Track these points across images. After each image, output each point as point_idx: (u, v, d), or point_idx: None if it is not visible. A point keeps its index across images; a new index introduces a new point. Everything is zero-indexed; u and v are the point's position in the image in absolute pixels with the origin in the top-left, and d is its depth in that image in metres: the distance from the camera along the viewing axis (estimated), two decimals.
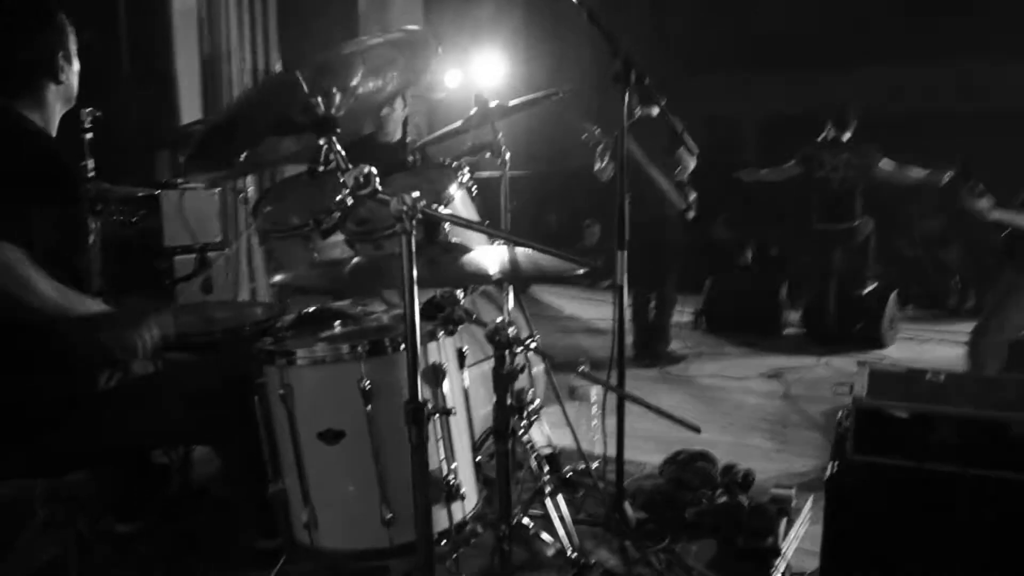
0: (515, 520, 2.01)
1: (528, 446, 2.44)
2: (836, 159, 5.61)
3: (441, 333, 1.98)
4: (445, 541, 1.91)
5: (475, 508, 2.04)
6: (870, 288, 5.87)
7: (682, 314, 5.74)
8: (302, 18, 7.79)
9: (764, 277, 6.75)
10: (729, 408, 4.46)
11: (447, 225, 1.98)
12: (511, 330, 1.85)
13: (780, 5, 10.70)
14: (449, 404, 1.96)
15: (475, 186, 2.46)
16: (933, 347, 5.86)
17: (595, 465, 2.79)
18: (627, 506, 2.42)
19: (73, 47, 1.91)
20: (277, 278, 2.26)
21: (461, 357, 2.11)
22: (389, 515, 1.87)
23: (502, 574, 1.88)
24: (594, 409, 2.92)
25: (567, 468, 2.78)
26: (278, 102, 1.82)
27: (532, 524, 2.16)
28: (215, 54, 5.61)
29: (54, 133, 1.90)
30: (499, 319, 1.88)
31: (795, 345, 5.85)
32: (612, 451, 3.35)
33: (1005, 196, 3.51)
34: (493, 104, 2.67)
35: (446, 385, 1.97)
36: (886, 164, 5.55)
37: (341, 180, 1.75)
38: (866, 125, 5.57)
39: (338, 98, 1.75)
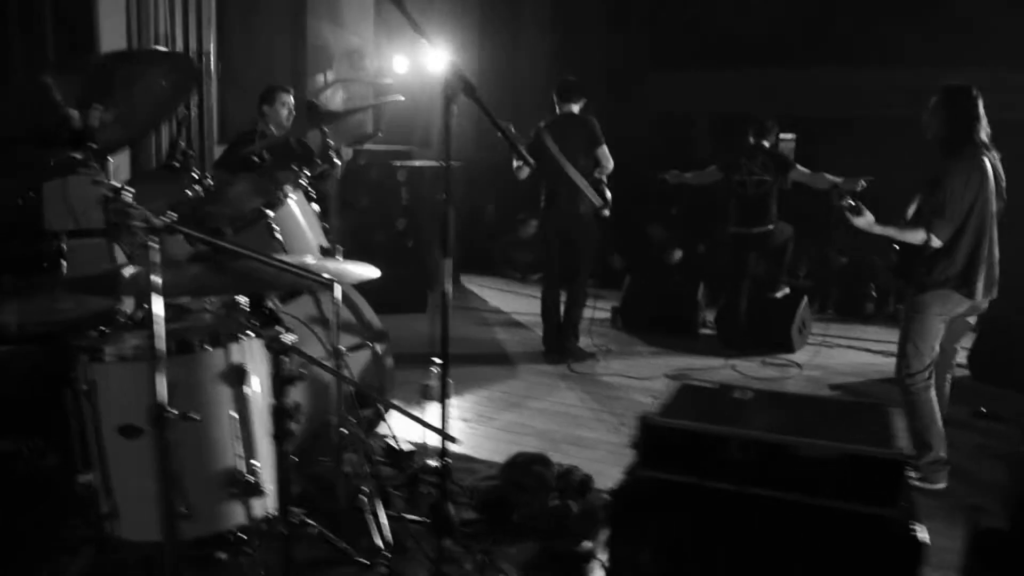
0: (298, 518, 2.07)
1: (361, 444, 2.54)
2: (752, 164, 5.72)
3: (247, 335, 2.04)
4: (238, 536, 1.99)
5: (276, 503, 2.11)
6: (782, 293, 6.00)
7: (594, 310, 5.83)
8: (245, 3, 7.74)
9: (683, 278, 6.84)
10: (623, 408, 4.55)
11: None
12: (291, 338, 1.91)
13: (738, 3, 10.78)
14: (256, 404, 2.03)
15: (313, 192, 2.46)
16: (843, 352, 6.00)
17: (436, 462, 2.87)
18: (450, 506, 2.51)
19: None
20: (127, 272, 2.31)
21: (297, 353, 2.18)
22: (184, 509, 1.94)
23: (287, 571, 1.95)
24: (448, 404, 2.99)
25: (411, 465, 2.87)
26: (33, 114, 1.84)
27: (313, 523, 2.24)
28: (144, 39, 5.55)
29: None
30: (279, 329, 1.93)
31: (707, 347, 5.96)
32: (468, 450, 3.49)
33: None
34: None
35: (251, 386, 2.04)
36: (797, 173, 5.67)
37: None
38: (822, 126, 5.61)
39: (99, 112, 1.77)
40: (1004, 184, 3.48)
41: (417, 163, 7.62)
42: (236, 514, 2.00)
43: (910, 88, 8.18)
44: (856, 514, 1.82)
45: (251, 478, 1.99)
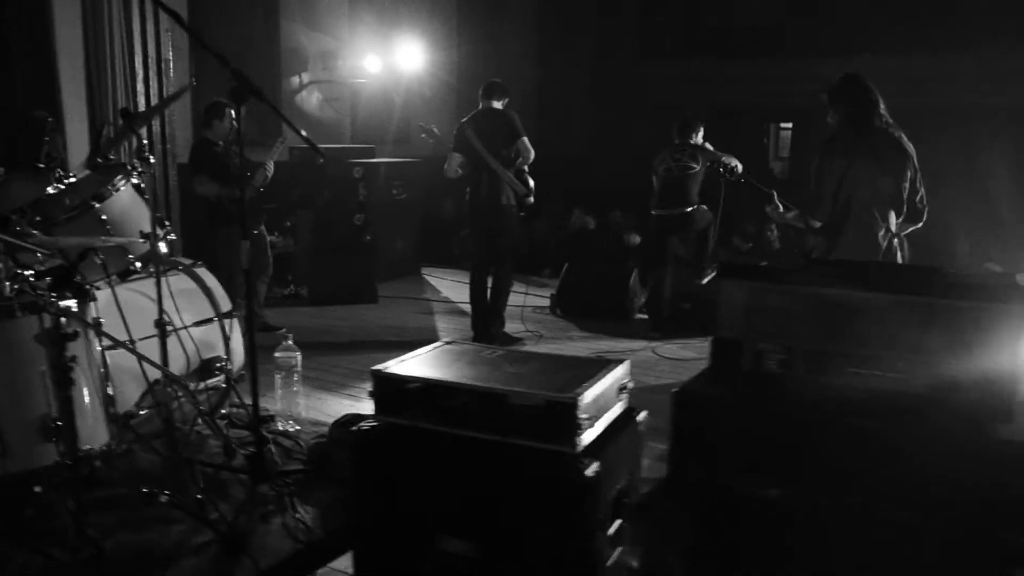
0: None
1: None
2: (680, 154, 6.06)
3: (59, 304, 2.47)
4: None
5: (99, 446, 2.56)
6: (708, 278, 6.31)
7: (526, 296, 6.21)
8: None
9: (616, 263, 7.16)
10: None
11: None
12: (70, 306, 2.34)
13: None
14: (81, 359, 2.46)
15: (143, 184, 2.87)
16: None
17: (286, 425, 3.29)
18: (273, 456, 2.93)
19: None
20: None
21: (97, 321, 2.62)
22: (1, 450, 2.39)
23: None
24: (295, 377, 3.42)
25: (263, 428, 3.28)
26: None
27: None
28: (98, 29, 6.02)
29: None
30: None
31: (637, 331, 6.31)
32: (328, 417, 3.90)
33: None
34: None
35: (74, 347, 2.48)
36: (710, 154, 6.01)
37: None
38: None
39: None
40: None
41: (373, 160, 8.06)
42: (48, 454, 2.44)
43: (907, 76, 8.43)
44: (545, 452, 2.19)
45: (59, 423, 2.43)
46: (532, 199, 5.85)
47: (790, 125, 12.38)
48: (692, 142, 6.14)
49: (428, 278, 8.29)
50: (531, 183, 5.83)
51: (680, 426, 2.07)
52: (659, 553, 2.08)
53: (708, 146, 6.09)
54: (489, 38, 10.69)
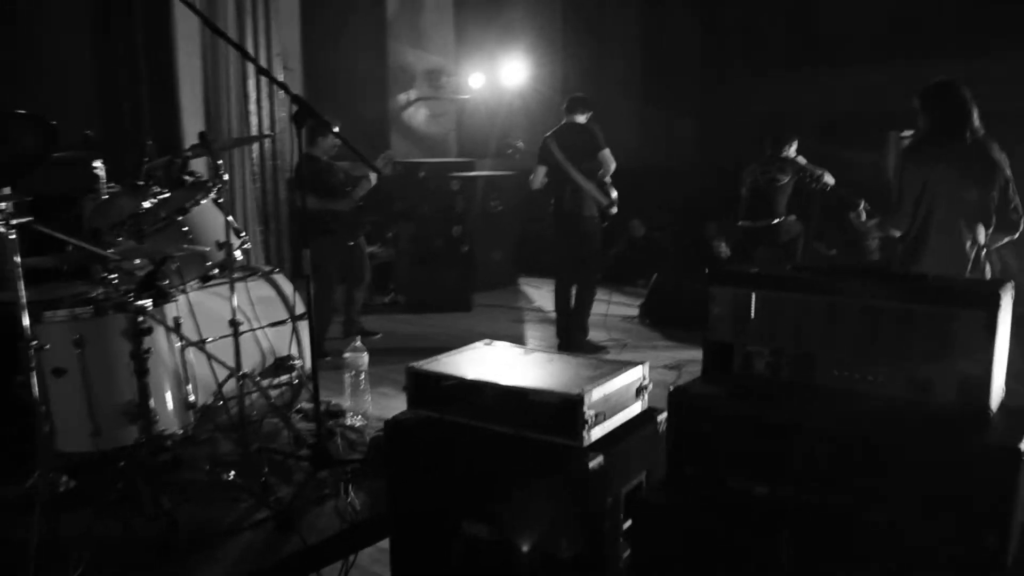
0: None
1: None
2: (769, 167, 6.06)
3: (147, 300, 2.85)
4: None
5: (176, 430, 2.92)
6: None
7: (609, 305, 6.35)
8: (326, 20, 8.81)
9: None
10: None
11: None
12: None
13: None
14: (153, 357, 2.84)
15: (221, 199, 3.23)
16: None
17: (355, 419, 3.60)
18: (337, 446, 3.23)
19: None
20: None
21: (177, 322, 2.99)
22: (93, 428, 2.78)
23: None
24: (362, 376, 3.72)
25: (331, 422, 3.60)
26: None
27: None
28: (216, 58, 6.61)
29: None
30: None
31: None
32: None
33: None
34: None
35: (154, 340, 2.85)
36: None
37: None
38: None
39: None
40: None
41: (471, 173, 8.39)
42: (131, 434, 2.82)
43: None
44: (553, 444, 2.37)
45: (140, 409, 2.80)
46: (615, 209, 6.00)
47: (910, 133, 11.94)
48: (783, 155, 6.11)
49: (525, 288, 8.53)
50: (614, 194, 5.98)
51: (676, 426, 2.20)
52: (656, 548, 2.21)
53: (800, 159, 6.05)
54: (594, 54, 10.86)
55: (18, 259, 2.35)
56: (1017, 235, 3.64)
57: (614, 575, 2.41)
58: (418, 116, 9.80)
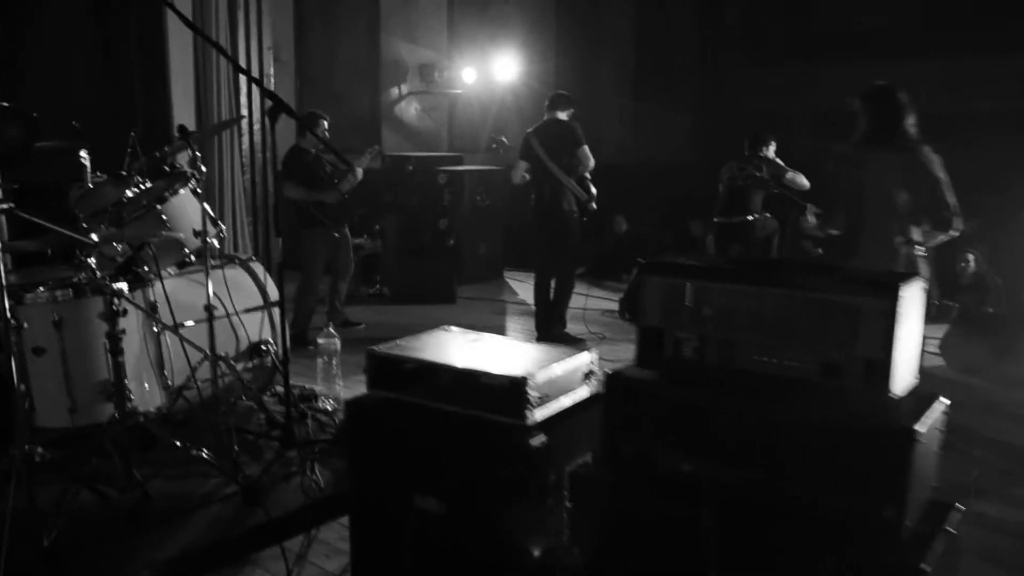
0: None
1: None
2: (748, 165, 6.21)
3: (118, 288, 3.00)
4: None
5: (150, 409, 3.08)
6: None
7: (587, 299, 6.51)
8: (320, 12, 8.96)
9: None
10: None
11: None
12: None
13: None
14: (128, 338, 2.99)
15: (199, 188, 3.38)
16: None
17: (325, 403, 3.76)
18: (308, 427, 3.40)
19: None
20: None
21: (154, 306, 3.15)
22: (70, 405, 2.94)
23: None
24: (334, 361, 3.88)
25: (302, 405, 3.76)
26: None
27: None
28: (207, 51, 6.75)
29: None
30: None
31: None
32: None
33: None
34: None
35: (130, 322, 3.01)
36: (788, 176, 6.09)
37: None
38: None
39: None
40: None
41: (458, 168, 8.54)
42: (107, 411, 2.98)
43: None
44: (497, 423, 2.52)
45: (116, 387, 2.96)
46: (594, 205, 6.15)
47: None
48: (761, 155, 6.26)
49: (510, 281, 8.69)
50: (593, 190, 6.14)
51: (610, 407, 2.36)
52: (591, 522, 2.37)
53: (778, 161, 6.19)
54: (587, 50, 11.02)
55: (0, 243, 2.51)
56: (954, 233, 3.78)
57: (557, 548, 2.56)
58: (410, 110, 9.96)
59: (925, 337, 5.07)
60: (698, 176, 11.31)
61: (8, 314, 2.63)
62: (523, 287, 8.42)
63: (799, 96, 10.20)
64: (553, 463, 2.53)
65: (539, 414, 2.53)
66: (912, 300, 2.04)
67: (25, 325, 2.79)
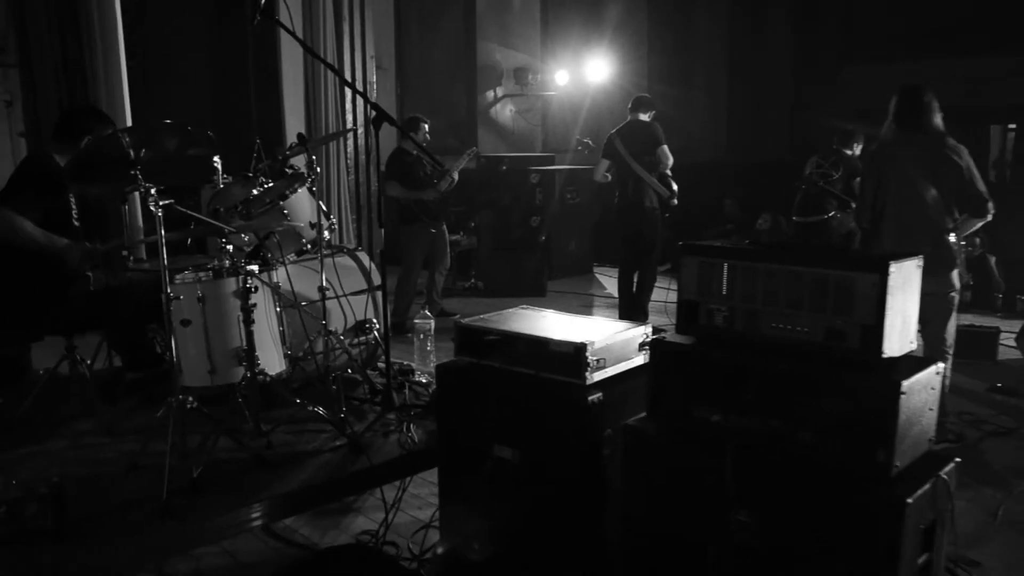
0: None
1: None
2: (825, 161, 6.54)
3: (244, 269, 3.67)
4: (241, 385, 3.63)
5: (276, 372, 3.75)
6: None
7: (668, 292, 6.91)
8: (419, 21, 9.66)
9: None
10: None
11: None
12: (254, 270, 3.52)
13: None
14: (257, 312, 3.66)
15: (314, 187, 4.04)
16: None
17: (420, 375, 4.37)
18: (394, 395, 4.00)
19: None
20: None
21: (277, 286, 3.81)
22: (210, 367, 3.63)
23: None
24: (429, 341, 4.48)
25: (401, 377, 4.38)
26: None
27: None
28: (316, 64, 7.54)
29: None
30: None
31: None
32: None
33: None
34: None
35: (259, 299, 3.68)
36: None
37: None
38: None
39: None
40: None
41: (550, 168, 9.09)
42: (240, 373, 3.65)
43: None
44: (560, 382, 3.05)
45: (247, 353, 3.63)
46: (675, 201, 6.60)
47: (1013, 127, 11.88)
48: (845, 151, 6.56)
49: (599, 276, 9.18)
50: (674, 186, 6.58)
51: (655, 368, 2.86)
52: (637, 467, 2.87)
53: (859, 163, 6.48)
54: (680, 48, 11.39)
55: (163, 233, 3.20)
56: (988, 217, 4.08)
57: (611, 492, 3.07)
58: (505, 112, 10.57)
59: (1001, 331, 5.35)
60: (789, 175, 11.56)
61: (168, 290, 3.33)
62: (611, 281, 8.89)
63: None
64: (608, 418, 3.04)
65: (597, 376, 3.05)
66: (903, 275, 2.47)
67: (180, 297, 3.48)
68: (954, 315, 4.32)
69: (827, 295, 2.50)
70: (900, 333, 2.50)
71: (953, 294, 4.20)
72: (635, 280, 6.75)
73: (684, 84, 11.04)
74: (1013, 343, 5.74)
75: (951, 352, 4.37)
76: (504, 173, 8.79)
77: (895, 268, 2.42)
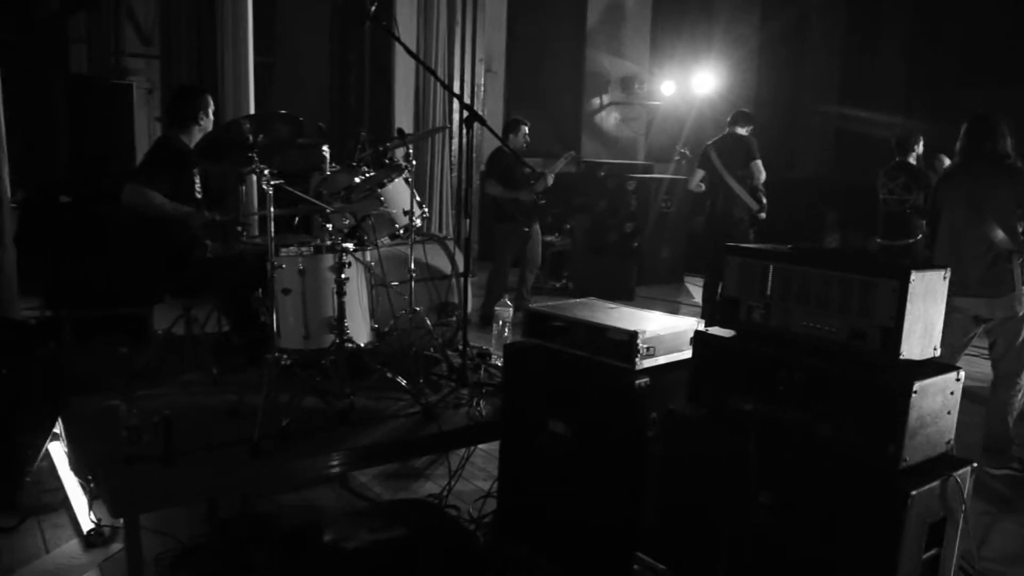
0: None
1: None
2: (894, 183, 6.61)
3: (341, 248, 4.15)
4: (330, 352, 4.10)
5: (364, 343, 4.21)
6: None
7: None
8: (531, 27, 10.10)
9: None
10: None
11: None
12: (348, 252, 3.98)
13: None
14: (349, 286, 4.13)
15: (410, 178, 4.49)
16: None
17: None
18: (481, 372, 4.39)
19: (209, 109, 4.46)
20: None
21: (369, 265, 4.28)
22: (305, 333, 4.12)
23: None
24: (507, 328, 4.86)
25: (477, 358, 4.78)
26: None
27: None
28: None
29: (192, 145, 4.47)
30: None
31: None
32: None
33: None
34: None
35: (352, 273, 4.15)
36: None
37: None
38: None
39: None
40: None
41: (647, 176, 9.37)
42: (330, 339, 4.13)
43: None
44: (612, 366, 3.39)
45: (338, 322, 4.10)
46: (764, 215, 6.80)
47: None
48: (910, 160, 6.59)
49: (689, 285, 9.39)
50: (764, 200, 6.78)
51: (697, 357, 3.16)
52: (676, 447, 3.18)
53: (943, 159, 6.51)
54: (791, 64, 11.46)
55: (272, 209, 3.71)
56: None
57: (652, 471, 3.38)
58: (609, 120, 10.91)
59: None
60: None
61: (273, 261, 3.84)
62: (700, 291, 9.09)
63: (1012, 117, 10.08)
64: (655, 403, 3.35)
65: (646, 363, 3.37)
66: (926, 284, 2.70)
67: (283, 266, 3.98)
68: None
69: (852, 297, 2.75)
70: (920, 338, 2.73)
71: (1019, 317, 4.30)
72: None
73: (793, 101, 11.11)
74: None
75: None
76: (602, 179, 9.12)
77: (916, 276, 2.66)
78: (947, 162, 6.60)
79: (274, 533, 3.69)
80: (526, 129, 7.36)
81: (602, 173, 9.14)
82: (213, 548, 3.67)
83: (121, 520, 3.41)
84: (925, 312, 2.73)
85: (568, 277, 9.14)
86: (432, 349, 4.69)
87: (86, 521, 3.98)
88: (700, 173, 6.96)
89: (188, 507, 4.08)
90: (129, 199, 4.43)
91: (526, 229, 7.55)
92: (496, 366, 4.75)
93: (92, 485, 3.95)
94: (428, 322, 4.58)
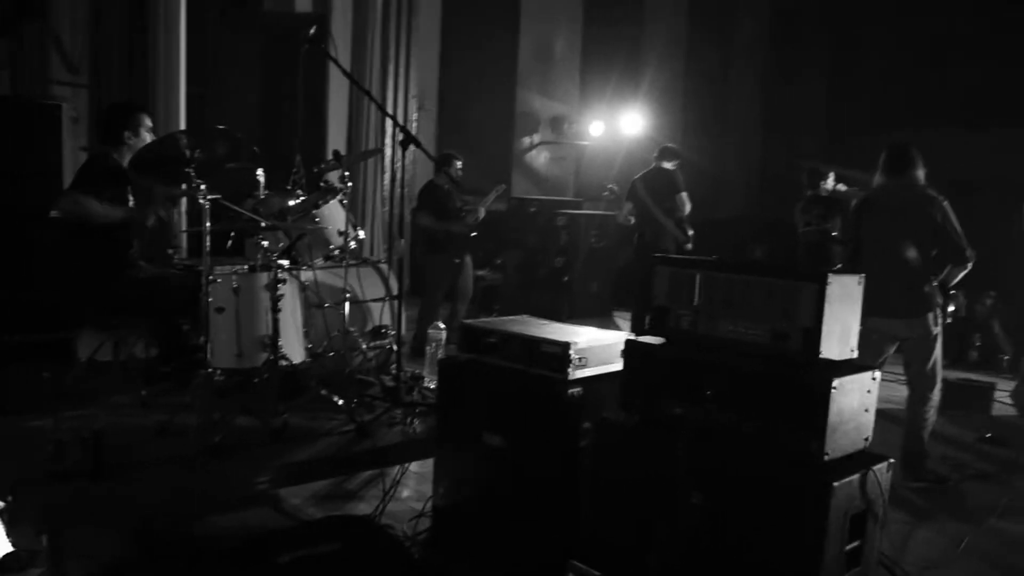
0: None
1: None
2: (809, 214, 6.92)
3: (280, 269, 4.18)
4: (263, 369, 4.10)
5: (297, 361, 4.22)
6: None
7: None
8: (463, 66, 10.30)
9: None
10: None
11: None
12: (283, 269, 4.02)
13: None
14: (284, 303, 4.15)
15: (344, 200, 4.55)
16: None
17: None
18: (413, 393, 4.44)
19: (142, 128, 4.46)
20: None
21: (304, 285, 4.31)
22: (238, 351, 4.12)
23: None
24: (440, 351, 4.92)
25: (410, 380, 4.82)
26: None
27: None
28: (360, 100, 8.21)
29: (124, 164, 4.47)
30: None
31: None
32: None
33: None
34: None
35: (286, 292, 4.17)
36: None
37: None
38: None
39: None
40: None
41: (576, 212, 9.59)
42: (263, 358, 4.13)
43: None
44: (545, 376, 3.48)
45: (272, 340, 4.11)
46: (690, 246, 7.03)
47: None
48: (823, 193, 6.90)
49: (618, 320, 9.56)
50: (690, 232, 7.03)
51: (628, 365, 3.27)
52: (607, 454, 3.26)
53: (841, 187, 6.82)
54: (715, 105, 11.92)
55: (208, 224, 3.74)
56: (968, 266, 4.43)
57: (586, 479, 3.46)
58: (540, 159, 11.14)
59: (996, 388, 5.62)
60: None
61: (207, 278, 3.85)
62: (628, 326, 9.28)
63: (930, 161, 10.55)
64: (588, 413, 3.44)
65: (579, 373, 3.45)
66: (842, 288, 2.87)
67: (218, 281, 3.98)
68: (936, 358, 4.64)
69: (775, 301, 2.91)
70: (839, 339, 2.90)
71: (932, 337, 4.54)
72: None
73: (718, 140, 11.52)
74: (1009, 399, 6.02)
75: (936, 393, 4.69)
76: (532, 215, 9.30)
77: (834, 279, 2.83)
78: (832, 179, 6.89)
79: (205, 552, 3.64)
80: (459, 164, 7.47)
81: (533, 209, 9.33)
82: (142, 567, 3.60)
83: (43, 541, 3.33)
84: (843, 314, 2.90)
85: (499, 311, 9.24)
86: (366, 372, 4.72)
87: (3, 546, 3.86)
88: (628, 205, 7.18)
89: (117, 530, 3.99)
90: (65, 207, 4.38)
91: (458, 261, 7.62)
92: (429, 388, 4.80)
93: (10, 507, 3.84)
94: (362, 344, 4.61)
